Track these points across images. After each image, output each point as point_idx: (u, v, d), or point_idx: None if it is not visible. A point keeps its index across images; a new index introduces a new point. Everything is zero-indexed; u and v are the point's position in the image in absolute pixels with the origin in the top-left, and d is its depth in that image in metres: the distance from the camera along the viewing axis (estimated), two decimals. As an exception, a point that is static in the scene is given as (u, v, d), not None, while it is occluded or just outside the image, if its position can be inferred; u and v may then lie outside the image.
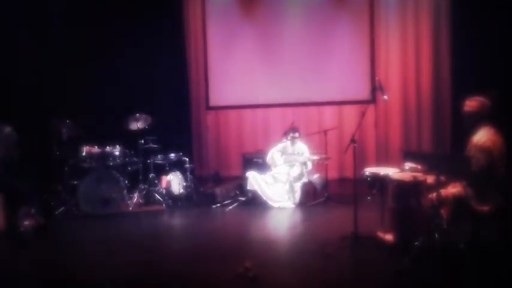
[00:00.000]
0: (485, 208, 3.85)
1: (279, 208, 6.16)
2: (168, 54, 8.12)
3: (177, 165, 6.83)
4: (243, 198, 6.47)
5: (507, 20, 6.12)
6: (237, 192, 6.69)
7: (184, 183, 6.64)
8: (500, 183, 3.87)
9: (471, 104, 4.02)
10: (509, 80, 5.99)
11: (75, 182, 6.16)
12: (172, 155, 6.73)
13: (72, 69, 7.57)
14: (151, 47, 7.94)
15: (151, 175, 6.56)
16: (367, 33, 7.85)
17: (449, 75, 7.41)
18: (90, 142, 6.23)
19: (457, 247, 3.90)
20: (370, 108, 7.32)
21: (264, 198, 6.28)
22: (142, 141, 6.58)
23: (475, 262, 3.78)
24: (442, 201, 3.97)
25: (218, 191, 6.57)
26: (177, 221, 5.96)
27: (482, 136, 3.89)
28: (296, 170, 6.33)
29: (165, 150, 6.74)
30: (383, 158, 7.59)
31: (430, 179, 4.10)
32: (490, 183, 3.84)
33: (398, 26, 7.67)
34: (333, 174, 7.55)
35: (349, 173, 7.47)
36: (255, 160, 7.05)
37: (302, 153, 6.43)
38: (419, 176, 4.20)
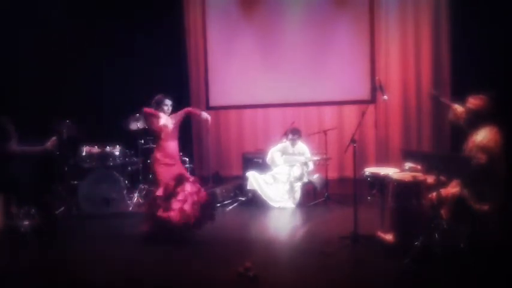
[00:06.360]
0: (485, 208, 3.84)
1: (279, 208, 6.16)
2: (168, 54, 8.12)
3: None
4: (243, 198, 6.47)
5: (507, 19, 6.11)
6: (237, 192, 6.69)
7: (185, 183, 6.63)
8: (500, 183, 3.87)
9: (475, 102, 4.00)
10: (509, 80, 5.99)
11: (75, 182, 6.16)
12: (172, 155, 6.71)
13: (73, 69, 7.57)
14: (152, 47, 7.95)
15: (151, 175, 6.54)
16: (367, 33, 7.84)
17: (449, 75, 7.40)
18: (90, 142, 6.23)
19: (457, 247, 3.90)
20: (370, 108, 7.26)
21: (264, 198, 6.28)
22: (142, 141, 6.57)
23: (475, 262, 3.77)
24: (442, 201, 3.97)
25: (218, 191, 6.56)
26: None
27: (485, 136, 3.87)
28: (297, 170, 6.33)
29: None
30: (383, 158, 7.58)
31: (430, 179, 4.10)
32: (489, 183, 3.84)
33: (399, 26, 7.67)
34: (333, 174, 7.55)
35: (349, 173, 7.45)
36: (255, 160, 7.05)
37: (303, 154, 6.43)
38: (419, 176, 4.20)
